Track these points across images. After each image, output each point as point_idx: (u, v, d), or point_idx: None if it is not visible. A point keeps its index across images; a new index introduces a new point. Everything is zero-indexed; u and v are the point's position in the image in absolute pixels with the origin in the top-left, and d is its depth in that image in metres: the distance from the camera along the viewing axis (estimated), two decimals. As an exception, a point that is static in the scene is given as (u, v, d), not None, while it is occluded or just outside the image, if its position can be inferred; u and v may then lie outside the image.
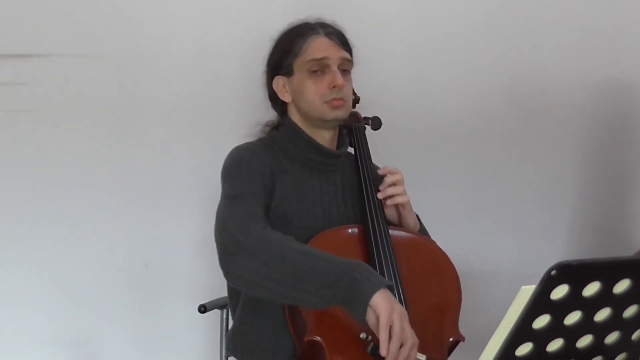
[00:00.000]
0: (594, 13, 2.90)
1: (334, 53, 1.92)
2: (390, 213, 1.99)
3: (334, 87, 1.91)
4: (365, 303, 1.60)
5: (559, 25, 2.89)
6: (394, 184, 1.96)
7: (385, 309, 1.59)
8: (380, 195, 1.96)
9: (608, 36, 2.92)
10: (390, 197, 1.96)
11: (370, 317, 1.61)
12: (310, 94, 1.92)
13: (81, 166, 2.55)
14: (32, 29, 2.50)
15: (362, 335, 1.68)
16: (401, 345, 1.61)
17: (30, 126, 2.52)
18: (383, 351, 1.60)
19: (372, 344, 1.65)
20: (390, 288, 1.64)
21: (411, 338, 1.62)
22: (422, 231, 2.06)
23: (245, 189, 1.85)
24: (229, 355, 2.06)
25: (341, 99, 1.92)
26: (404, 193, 1.96)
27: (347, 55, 1.95)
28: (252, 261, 1.68)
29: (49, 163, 2.53)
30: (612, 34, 2.92)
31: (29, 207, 2.52)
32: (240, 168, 1.89)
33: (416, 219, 2.03)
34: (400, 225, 2.00)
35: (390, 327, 1.59)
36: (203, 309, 2.18)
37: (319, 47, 1.92)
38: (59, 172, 2.54)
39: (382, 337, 1.59)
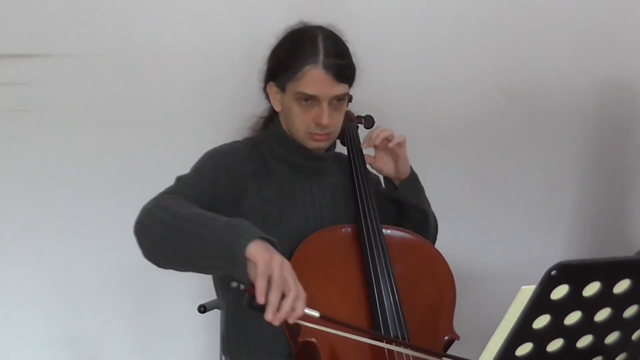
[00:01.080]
0: (594, 13, 2.90)
1: (326, 91, 1.85)
2: (386, 162, 2.00)
3: (318, 123, 1.87)
4: (242, 257, 1.51)
5: (559, 26, 2.89)
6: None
7: (262, 257, 1.49)
8: (377, 141, 1.96)
9: (608, 37, 2.92)
10: (387, 139, 1.96)
11: (251, 272, 1.50)
12: (295, 121, 1.90)
13: (81, 166, 2.55)
14: (32, 29, 2.50)
15: (233, 284, 1.53)
16: (283, 297, 1.49)
17: (30, 126, 2.52)
18: (260, 299, 1.47)
19: (247, 294, 1.49)
20: (272, 243, 1.55)
21: (294, 289, 1.49)
22: (414, 174, 2.05)
23: (195, 176, 1.84)
24: (227, 358, 2.06)
25: (326, 134, 1.90)
26: (394, 134, 1.97)
27: (341, 90, 1.88)
28: (153, 226, 1.65)
29: (48, 163, 2.53)
30: (612, 35, 2.92)
31: (28, 207, 2.52)
32: (211, 158, 1.89)
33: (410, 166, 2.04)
34: (397, 168, 2.00)
35: (270, 278, 1.49)
36: (203, 309, 2.18)
37: (312, 81, 1.84)
38: (59, 172, 2.53)
39: (259, 284, 1.47)
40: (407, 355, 1.74)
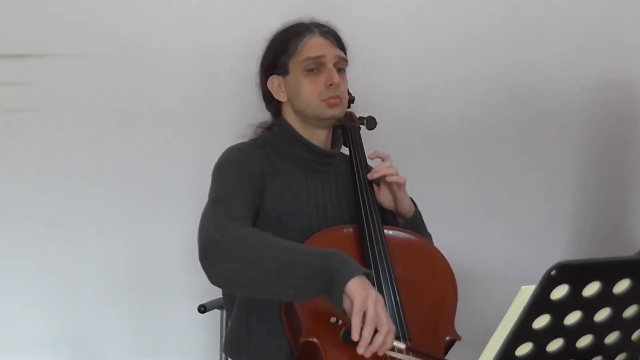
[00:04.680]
0: (595, 14, 2.90)
1: (329, 51, 1.94)
2: (386, 198, 2.00)
3: (330, 85, 1.91)
4: (341, 290, 1.58)
5: (560, 27, 2.89)
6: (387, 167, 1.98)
7: (359, 295, 1.57)
8: (375, 175, 1.96)
9: (609, 38, 2.91)
10: (385, 176, 1.96)
11: (346, 304, 1.59)
12: (306, 93, 1.93)
13: (81, 166, 2.55)
14: (31, 29, 2.50)
15: (332, 320, 1.66)
16: (376, 332, 1.58)
17: (30, 126, 2.52)
18: (355, 335, 1.57)
19: (344, 328, 1.61)
20: (368, 276, 1.63)
21: (387, 324, 1.58)
22: (417, 215, 2.06)
23: (230, 191, 1.84)
24: (228, 356, 2.06)
25: (338, 96, 1.93)
26: (398, 174, 1.98)
27: (342, 53, 1.97)
28: (229, 259, 1.66)
29: (48, 163, 2.53)
30: (613, 36, 2.92)
31: (28, 207, 2.52)
32: (229, 169, 1.89)
33: (411, 201, 2.03)
34: (396, 207, 2.00)
35: (365, 313, 1.57)
36: (203, 309, 2.18)
37: (315, 45, 1.93)
38: (59, 173, 2.54)
39: (355, 321, 1.56)
40: None
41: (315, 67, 1.93)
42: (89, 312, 2.58)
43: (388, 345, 1.59)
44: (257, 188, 1.87)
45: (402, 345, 1.62)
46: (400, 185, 1.98)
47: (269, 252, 1.66)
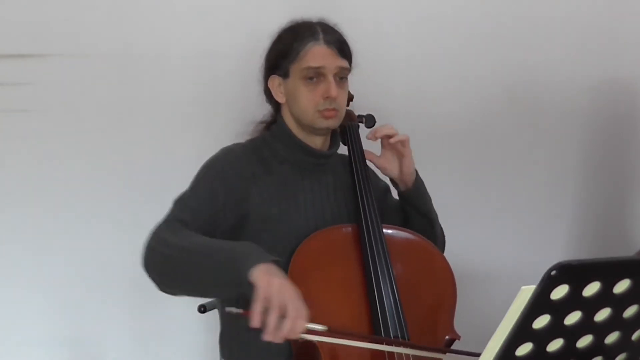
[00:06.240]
0: (595, 14, 2.90)
1: (331, 62, 1.90)
2: (389, 161, 2.00)
3: (327, 97, 1.89)
4: (247, 283, 1.58)
5: (560, 27, 2.88)
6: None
7: (261, 282, 1.56)
8: (378, 134, 1.96)
9: (608, 37, 2.91)
10: (388, 136, 1.96)
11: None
12: (303, 101, 1.91)
13: (81, 166, 2.55)
14: (32, 29, 2.50)
15: (231, 310, 1.64)
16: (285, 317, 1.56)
17: (30, 126, 2.52)
18: (253, 322, 1.55)
19: (246, 318, 1.58)
20: (276, 263, 1.61)
21: (294, 309, 1.55)
22: (421, 184, 2.06)
23: (191, 194, 1.88)
24: None
25: (334, 109, 1.91)
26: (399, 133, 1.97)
27: (345, 64, 1.93)
28: (159, 264, 1.75)
29: (48, 163, 2.53)
30: (612, 36, 2.92)
31: (28, 207, 2.52)
32: (204, 174, 1.91)
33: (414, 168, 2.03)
34: (401, 168, 1.99)
35: (268, 300, 1.55)
36: (203, 309, 2.18)
37: (316, 55, 1.89)
38: (59, 173, 2.53)
39: (255, 308, 1.54)
40: (408, 356, 1.74)
41: (314, 76, 1.90)
42: (89, 312, 2.58)
43: (298, 330, 1.56)
44: (232, 193, 1.87)
45: (321, 327, 1.59)
46: (405, 143, 1.97)
47: (187, 252, 1.70)
